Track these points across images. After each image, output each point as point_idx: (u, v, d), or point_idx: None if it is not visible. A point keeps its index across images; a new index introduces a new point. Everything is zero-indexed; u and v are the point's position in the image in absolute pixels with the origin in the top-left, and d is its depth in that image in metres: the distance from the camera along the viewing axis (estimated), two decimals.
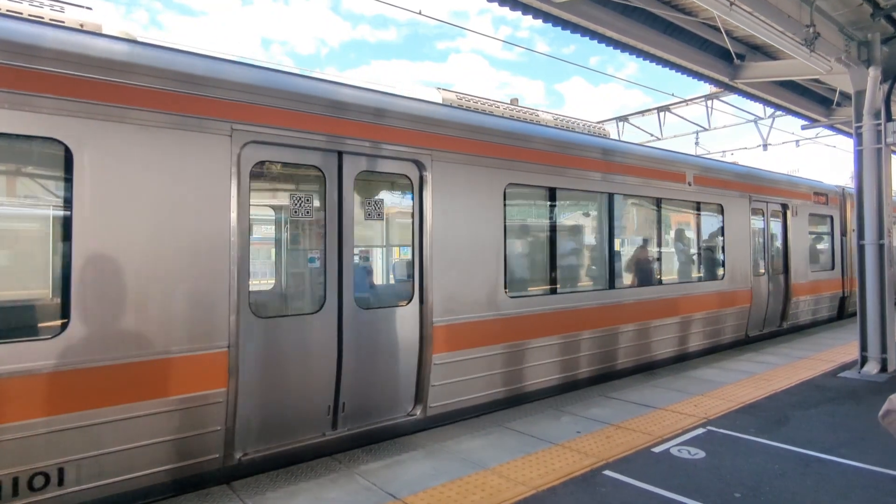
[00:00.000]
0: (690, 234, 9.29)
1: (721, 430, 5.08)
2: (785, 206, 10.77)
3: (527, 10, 6.64)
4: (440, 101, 6.25)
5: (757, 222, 10.27)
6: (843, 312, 13.02)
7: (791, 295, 10.75)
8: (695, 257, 9.23)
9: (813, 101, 11.62)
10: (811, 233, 11.74)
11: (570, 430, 5.15)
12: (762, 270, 10.25)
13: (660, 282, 8.21)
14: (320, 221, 4.85)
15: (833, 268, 12.46)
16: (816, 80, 10.53)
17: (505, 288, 6.04)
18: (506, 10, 6.56)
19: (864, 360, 7.31)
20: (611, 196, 7.47)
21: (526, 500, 3.75)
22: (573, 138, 7.10)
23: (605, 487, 3.93)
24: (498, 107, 6.84)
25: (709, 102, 18.61)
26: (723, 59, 8.91)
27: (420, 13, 8.05)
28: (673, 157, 8.75)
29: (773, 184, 10.65)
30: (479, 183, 5.86)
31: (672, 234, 9.13)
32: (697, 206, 8.96)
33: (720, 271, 9.30)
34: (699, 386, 6.72)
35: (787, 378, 7.03)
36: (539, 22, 6.95)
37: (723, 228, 9.21)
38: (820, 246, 12.58)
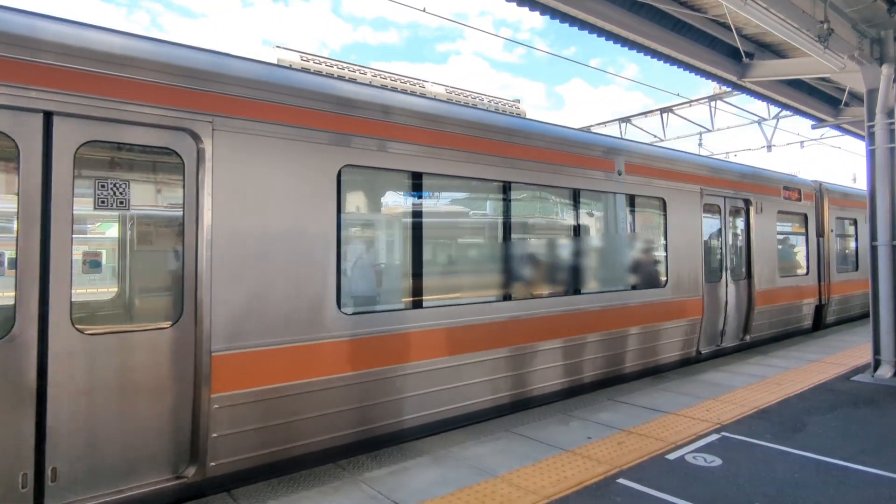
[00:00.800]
0: (620, 233, 7.77)
1: (736, 437, 4.93)
2: (748, 202, 9.36)
3: (534, 6, 6.51)
4: (274, 63, 5.01)
5: (711, 220, 8.85)
6: (820, 323, 11.60)
7: (755, 304, 9.30)
8: (625, 262, 7.75)
9: (820, 100, 11.48)
10: (780, 233, 10.39)
11: (580, 436, 5.01)
12: (718, 276, 8.85)
13: (576, 291, 6.77)
14: (9, 211, 3.55)
15: (807, 273, 11.02)
16: (824, 80, 10.41)
17: (338, 303, 4.64)
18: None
19: (877, 364, 7.16)
20: (506, 186, 6.00)
21: None
22: (449, 111, 5.66)
23: (619, 497, 3.78)
24: (364, 73, 5.70)
25: (712, 103, 18.54)
26: (731, 57, 8.78)
27: (424, 10, 7.94)
28: (596, 140, 7.33)
29: (733, 176, 9.19)
30: (295, 162, 4.45)
31: (595, 233, 7.52)
32: (631, 200, 7.51)
33: (661, 278, 7.83)
34: (709, 390, 6.57)
35: (799, 382, 6.87)
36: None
37: (665, 227, 7.78)
38: (791, 248, 11.23)
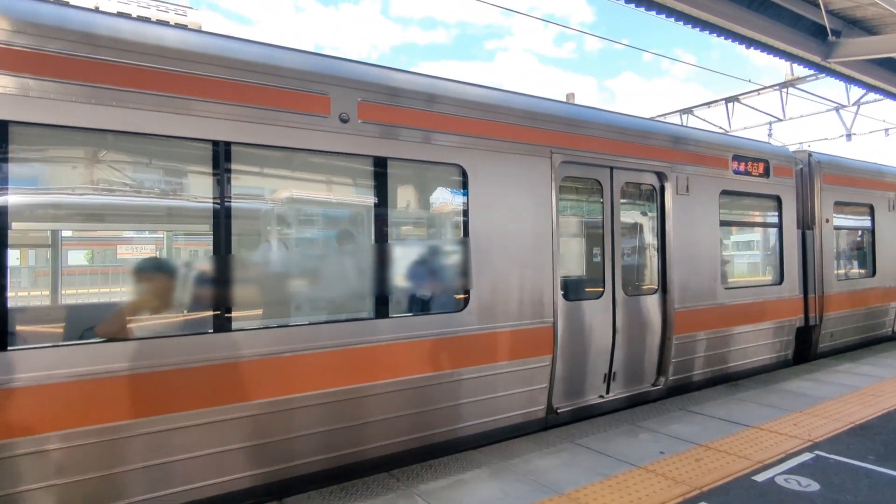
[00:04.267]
0: (347, 223, 5.02)
1: (833, 457, 4.38)
2: (661, 177, 6.28)
3: None
4: None
5: (581, 202, 6.28)
6: (810, 350, 8.31)
7: (671, 331, 6.23)
8: (359, 272, 4.58)
9: None
10: (728, 222, 7.41)
11: (651, 450, 4.59)
12: (595, 290, 5.91)
13: (219, 325, 3.67)
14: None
15: (781, 280, 7.65)
16: None
17: None
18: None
19: None
20: None
21: None
22: None
23: None
24: None
25: (784, 91, 17.37)
26: (814, 36, 8.01)
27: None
28: (269, 56, 3.98)
29: (627, 135, 5.96)
30: None
31: (290, 222, 4.84)
32: (377, 168, 4.37)
33: (453, 296, 4.87)
34: (794, 401, 5.97)
35: None
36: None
37: (465, 212, 4.78)
38: (753, 245, 8.40)
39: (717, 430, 5.09)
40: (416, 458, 4.41)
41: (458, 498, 3.72)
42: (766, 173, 7.48)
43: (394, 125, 4.42)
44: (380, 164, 4.37)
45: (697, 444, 4.73)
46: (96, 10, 3.66)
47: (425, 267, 4.93)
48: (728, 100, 18.81)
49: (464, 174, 4.78)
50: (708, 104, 19.76)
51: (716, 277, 6.77)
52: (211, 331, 3.61)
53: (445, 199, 5.34)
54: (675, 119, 20.11)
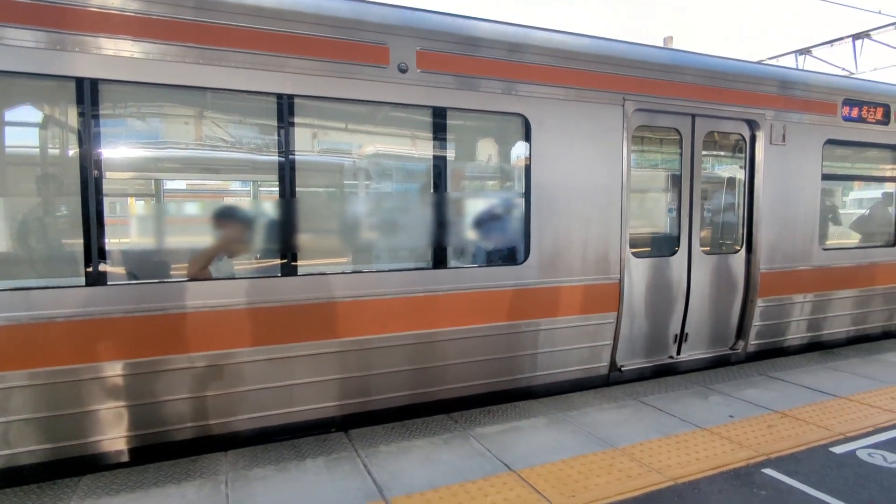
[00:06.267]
0: (409, 171, 4.87)
1: None
2: (752, 125, 5.76)
3: None
4: None
5: (657, 154, 5.89)
6: None
7: (755, 292, 5.82)
8: (423, 221, 4.44)
9: None
10: (833, 177, 6.50)
11: (720, 413, 4.42)
12: (669, 246, 5.57)
13: (285, 271, 3.89)
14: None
15: None
16: None
17: None
18: None
19: None
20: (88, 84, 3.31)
21: (661, 491, 3.22)
22: None
23: (764, 490, 3.24)
24: None
25: None
26: None
27: None
28: (325, 5, 3.94)
29: (711, 78, 5.45)
30: None
31: (352, 172, 4.71)
32: (437, 119, 4.30)
33: (513, 248, 4.81)
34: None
35: None
36: None
37: (528, 163, 4.60)
38: (867, 202, 7.33)
39: (798, 397, 4.79)
40: (476, 404, 4.57)
41: (511, 444, 3.83)
42: (886, 119, 6.56)
43: (453, 74, 4.28)
44: (439, 115, 4.29)
45: (773, 410, 4.49)
46: None
47: (482, 219, 4.83)
48: (855, 37, 16.56)
49: (526, 124, 4.60)
50: (830, 42, 17.53)
51: (812, 238, 6.15)
52: (279, 275, 3.86)
53: (507, 149, 5.13)
54: (790, 59, 18.06)
